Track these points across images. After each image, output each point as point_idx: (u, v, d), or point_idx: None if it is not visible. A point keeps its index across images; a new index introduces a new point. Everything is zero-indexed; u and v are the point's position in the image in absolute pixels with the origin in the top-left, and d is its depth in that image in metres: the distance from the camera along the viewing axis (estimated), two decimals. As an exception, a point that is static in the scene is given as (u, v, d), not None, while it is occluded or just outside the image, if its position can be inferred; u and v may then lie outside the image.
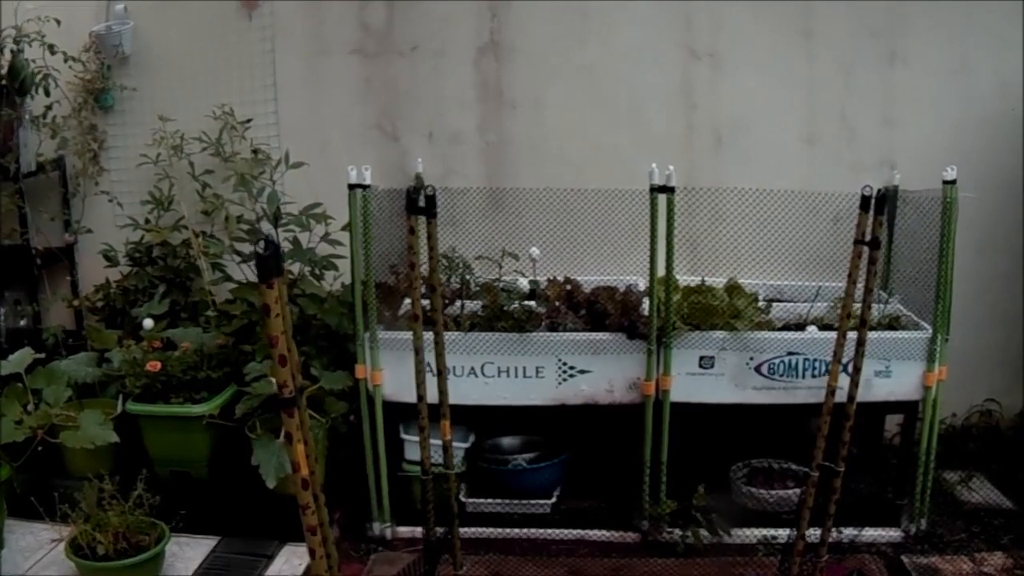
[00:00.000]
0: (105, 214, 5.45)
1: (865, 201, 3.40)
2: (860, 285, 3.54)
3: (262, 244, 2.00)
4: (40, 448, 4.36)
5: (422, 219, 3.40)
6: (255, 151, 5.15)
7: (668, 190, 4.09)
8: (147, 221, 5.31)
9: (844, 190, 3.98)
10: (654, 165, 4.11)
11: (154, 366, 4.49)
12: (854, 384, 3.62)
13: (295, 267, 4.78)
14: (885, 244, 4.95)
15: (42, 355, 4.78)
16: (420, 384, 3.51)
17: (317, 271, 4.69)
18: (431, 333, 3.65)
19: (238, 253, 4.74)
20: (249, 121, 5.19)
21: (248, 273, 4.88)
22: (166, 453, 4.54)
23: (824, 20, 5.04)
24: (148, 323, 4.87)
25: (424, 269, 3.60)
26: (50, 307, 5.45)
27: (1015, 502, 4.74)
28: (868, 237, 3.42)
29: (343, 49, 5.20)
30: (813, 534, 3.79)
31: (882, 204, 3.42)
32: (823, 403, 3.98)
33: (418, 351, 3.47)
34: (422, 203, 3.34)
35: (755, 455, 4.86)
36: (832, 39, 5.06)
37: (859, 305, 3.59)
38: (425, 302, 4.56)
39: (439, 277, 3.49)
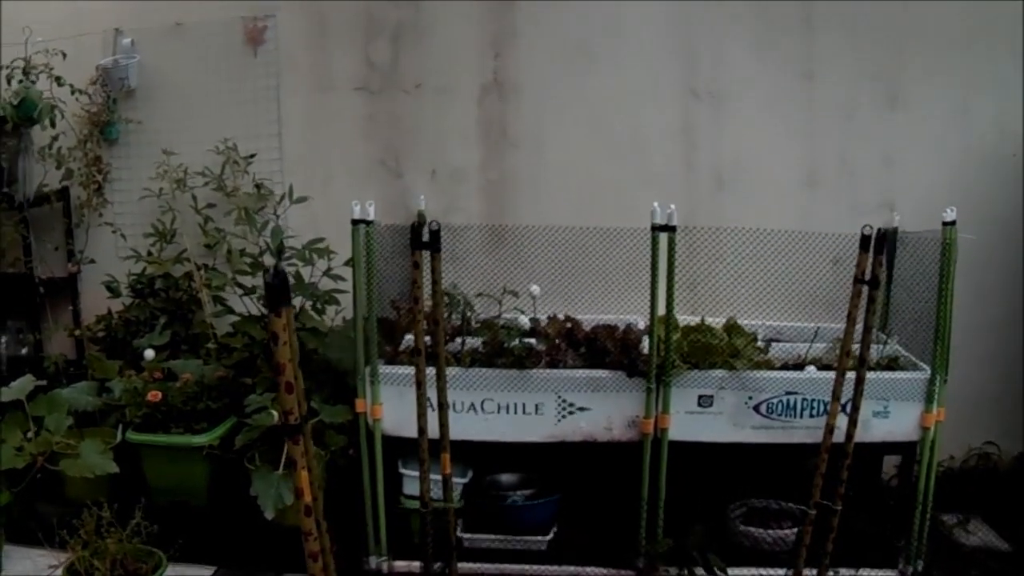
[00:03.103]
0: (108, 245, 5.51)
1: (865, 240, 3.45)
2: (859, 325, 3.56)
3: (271, 273, 2.02)
4: (39, 475, 4.39)
5: (426, 254, 3.43)
6: (258, 186, 5.20)
7: (669, 229, 4.12)
8: (149, 253, 5.36)
9: (844, 231, 4.00)
10: (656, 204, 4.13)
11: (155, 396, 4.52)
12: (852, 423, 3.65)
13: (296, 301, 4.80)
14: (884, 285, 4.98)
15: (43, 382, 4.81)
16: (421, 416, 3.54)
17: (319, 306, 4.72)
18: (432, 368, 3.67)
19: (240, 286, 4.77)
20: (252, 156, 5.24)
21: (250, 306, 4.91)
22: (165, 482, 4.57)
23: (826, 62, 5.10)
24: (149, 354, 4.90)
25: (427, 304, 3.63)
26: (52, 336, 5.50)
27: (1013, 545, 4.73)
28: (868, 276, 3.45)
29: (348, 85, 5.27)
30: (810, 574, 3.80)
31: (882, 244, 3.47)
32: (821, 442, 4.05)
33: (420, 384, 3.49)
34: (426, 238, 3.36)
35: (752, 495, 4.84)
36: (833, 81, 5.12)
37: (858, 344, 3.61)
38: (427, 338, 4.61)
39: (442, 311, 3.49)
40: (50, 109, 5.13)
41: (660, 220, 4.13)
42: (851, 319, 3.50)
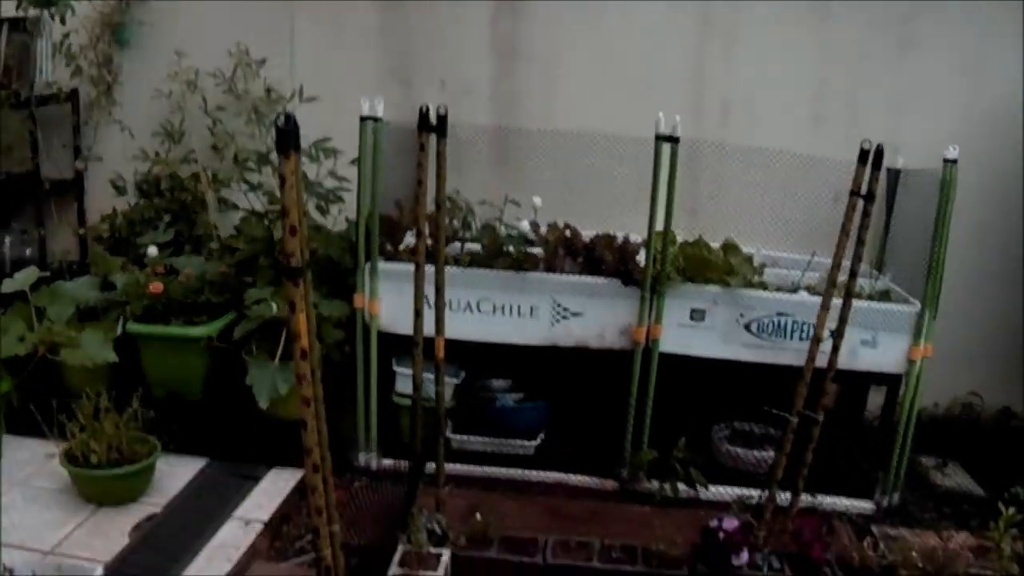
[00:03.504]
0: (115, 145, 5.54)
1: (864, 155, 3.49)
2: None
3: (284, 119, 2.08)
4: (40, 366, 4.45)
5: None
6: (268, 90, 5.22)
7: (673, 140, 4.17)
8: (157, 154, 5.39)
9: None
10: (660, 113, 4.19)
11: (156, 288, 4.58)
12: (839, 335, 3.71)
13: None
14: (881, 225, 5.05)
15: (47, 274, 4.87)
16: (418, 299, 3.57)
17: (323, 204, 4.76)
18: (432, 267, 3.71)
19: (246, 182, 4.81)
20: (263, 60, 5.25)
21: (255, 202, 4.96)
22: (163, 374, 4.64)
23: (841, 4, 5.12)
24: (152, 251, 4.95)
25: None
26: (56, 234, 5.53)
27: (988, 491, 4.79)
28: (864, 190, 3.50)
29: (361, -3, 5.29)
30: (784, 498, 3.88)
31: (879, 160, 3.49)
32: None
33: (419, 266, 3.53)
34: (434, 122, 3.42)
35: (738, 417, 4.95)
36: (847, 23, 5.14)
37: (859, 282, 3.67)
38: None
39: (444, 196, 3.54)
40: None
41: (665, 130, 4.18)
42: (845, 231, 3.55)
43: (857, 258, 3.59)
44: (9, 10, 5.25)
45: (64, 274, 5.19)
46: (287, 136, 2.06)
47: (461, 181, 4.73)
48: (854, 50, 5.19)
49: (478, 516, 3.76)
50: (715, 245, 4.62)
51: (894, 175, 4.98)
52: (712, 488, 4.52)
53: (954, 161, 4.20)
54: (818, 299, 4.22)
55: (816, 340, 3.66)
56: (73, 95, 5.50)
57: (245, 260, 4.89)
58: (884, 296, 4.63)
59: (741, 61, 5.22)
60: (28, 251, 5.65)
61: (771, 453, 4.56)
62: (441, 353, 3.70)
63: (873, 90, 5.21)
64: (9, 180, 5.49)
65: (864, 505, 4.56)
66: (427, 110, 3.39)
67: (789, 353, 4.39)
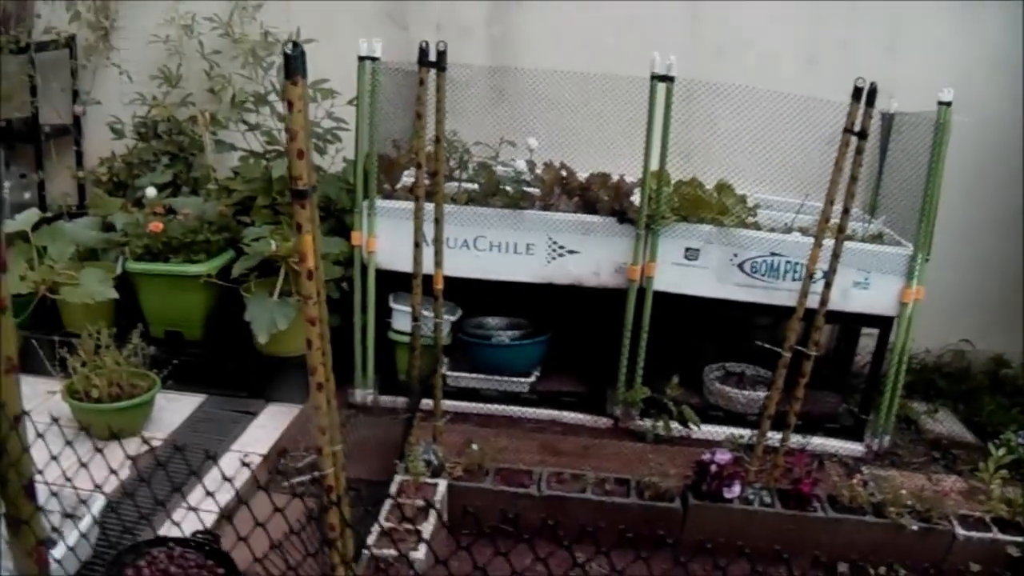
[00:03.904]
0: (113, 90, 5.56)
1: (857, 92, 3.50)
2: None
3: (291, 46, 2.11)
4: (42, 305, 4.51)
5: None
6: (265, 33, 5.24)
7: (668, 79, 4.19)
8: (154, 98, 5.41)
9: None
10: (656, 53, 4.21)
11: (156, 227, 4.60)
12: (832, 271, 3.74)
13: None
14: (876, 169, 5.08)
15: (47, 215, 4.91)
16: (417, 233, 3.63)
17: (321, 144, 4.78)
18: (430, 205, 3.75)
19: (244, 122, 4.83)
20: (260, 4, 5.26)
21: (253, 142, 4.98)
22: (162, 312, 4.68)
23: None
24: (151, 191, 4.97)
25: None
26: (55, 179, 5.55)
27: (976, 437, 4.85)
28: (857, 127, 3.52)
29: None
30: (774, 437, 3.94)
31: (873, 97, 3.51)
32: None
33: (418, 198, 3.57)
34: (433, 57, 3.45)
35: (730, 358, 5.01)
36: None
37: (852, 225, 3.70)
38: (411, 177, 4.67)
39: (444, 129, 3.57)
40: None
41: (660, 70, 4.20)
42: (838, 167, 3.57)
43: (850, 195, 3.60)
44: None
45: (64, 216, 5.21)
46: (295, 61, 2.08)
47: (457, 122, 4.72)
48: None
49: (474, 447, 3.81)
50: (709, 186, 4.63)
51: (888, 119, 5.01)
52: (704, 427, 4.58)
53: (948, 103, 4.21)
54: (811, 240, 4.29)
55: (809, 275, 3.69)
56: (71, 40, 5.50)
57: (243, 200, 4.93)
58: (877, 239, 4.65)
59: (735, 1, 5.20)
60: (27, 194, 5.68)
61: (762, 393, 4.65)
62: (440, 283, 3.74)
63: (868, 32, 5.20)
64: (9, 125, 5.52)
65: (854, 447, 4.62)
66: (427, 45, 3.41)
67: (782, 293, 4.44)
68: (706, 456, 3.67)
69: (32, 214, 4.72)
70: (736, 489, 3.63)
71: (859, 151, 3.55)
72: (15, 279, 4.44)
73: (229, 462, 4.00)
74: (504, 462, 3.89)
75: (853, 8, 5.18)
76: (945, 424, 4.99)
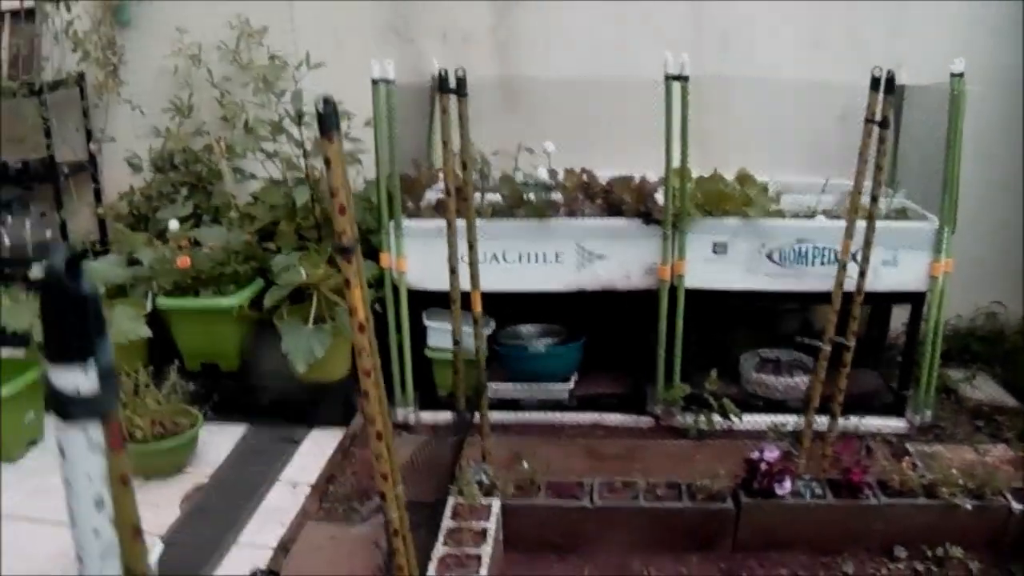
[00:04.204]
0: (125, 125, 5.56)
1: (875, 82, 3.49)
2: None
3: (322, 103, 2.10)
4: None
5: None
6: (272, 57, 5.23)
7: (682, 79, 4.19)
8: (167, 129, 5.42)
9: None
10: (668, 54, 4.20)
11: (184, 262, 4.61)
12: (865, 259, 3.75)
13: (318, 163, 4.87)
14: (891, 141, 5.05)
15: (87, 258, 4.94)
16: (452, 256, 3.63)
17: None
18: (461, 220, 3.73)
19: (263, 151, 4.83)
20: (265, 28, 5.26)
21: (272, 170, 4.98)
22: (197, 346, 4.69)
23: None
24: (174, 224, 4.97)
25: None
26: (75, 217, 5.58)
27: (1019, 400, 4.85)
28: (879, 117, 3.51)
29: (357, -48, 5.26)
30: (820, 422, 3.95)
31: (891, 85, 3.50)
32: (832, 291, 4.13)
33: (450, 224, 3.58)
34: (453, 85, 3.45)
35: (763, 345, 5.02)
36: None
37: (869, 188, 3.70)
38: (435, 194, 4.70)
39: (470, 154, 3.59)
40: None
41: (673, 70, 4.20)
42: (863, 158, 3.57)
43: (877, 183, 3.60)
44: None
45: (88, 254, 5.23)
46: (327, 120, 2.08)
47: (472, 132, 4.76)
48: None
49: (525, 464, 3.83)
50: (728, 176, 4.64)
51: (899, 91, 4.98)
52: (745, 417, 4.59)
53: (960, 74, 4.22)
54: (837, 224, 4.30)
55: (843, 266, 3.70)
56: (80, 79, 5.50)
57: (265, 227, 4.94)
58: (901, 214, 4.65)
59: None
60: (48, 233, 5.70)
61: (800, 379, 4.68)
62: (478, 307, 3.76)
63: (872, 10, 5.14)
64: (26, 167, 5.54)
65: (897, 424, 4.62)
66: (445, 73, 3.41)
67: (811, 279, 4.45)
68: (755, 455, 3.68)
69: (59, 256, 4.72)
70: (787, 485, 3.64)
71: (882, 140, 3.54)
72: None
73: (279, 493, 4.05)
74: (552, 473, 3.90)
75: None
76: (984, 390, 4.99)
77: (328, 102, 2.12)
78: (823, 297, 4.52)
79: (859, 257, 3.84)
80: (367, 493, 4.10)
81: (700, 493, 3.70)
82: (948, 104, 4.24)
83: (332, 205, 2.19)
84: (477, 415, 3.98)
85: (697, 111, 4.35)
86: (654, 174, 4.58)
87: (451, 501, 3.61)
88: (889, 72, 3.45)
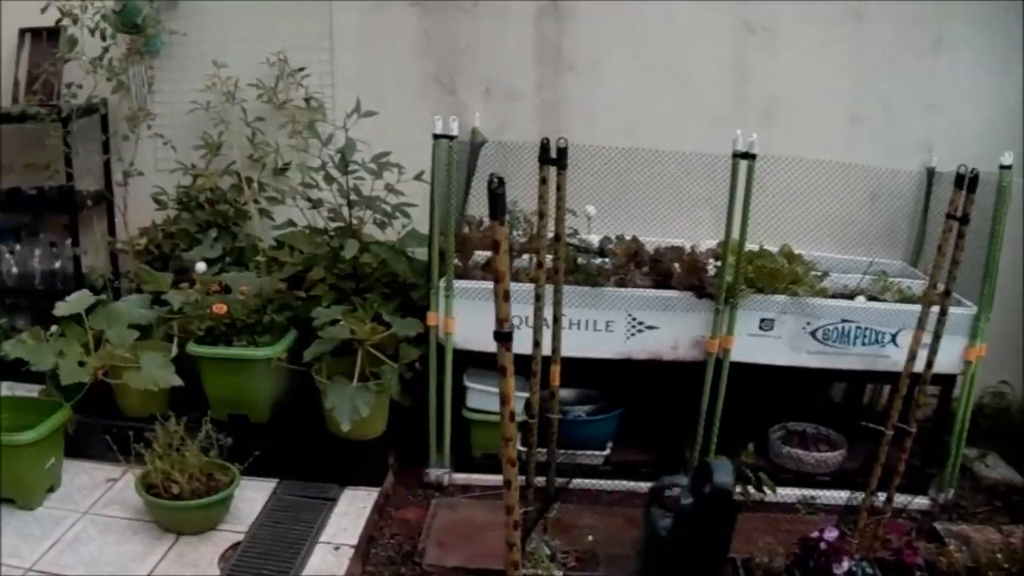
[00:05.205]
0: (146, 158, 5.42)
1: (959, 179, 3.55)
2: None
3: (495, 183, 2.07)
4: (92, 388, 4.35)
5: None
6: (307, 99, 5.15)
7: (750, 156, 4.22)
8: (193, 166, 5.30)
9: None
10: (739, 131, 4.24)
11: (220, 309, 4.50)
12: (933, 351, 3.80)
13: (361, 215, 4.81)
14: (919, 223, 5.16)
15: (105, 296, 4.78)
16: (538, 329, 3.63)
17: (387, 220, 4.69)
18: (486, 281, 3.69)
19: (308, 200, 4.74)
20: (302, 69, 5.18)
21: (312, 219, 4.90)
22: (226, 395, 4.56)
23: (874, 3, 5.14)
24: (201, 266, 4.87)
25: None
26: (90, 249, 5.42)
27: (1030, 480, 4.92)
28: (959, 213, 3.57)
29: (404, 2, 5.21)
30: (853, 497, 4.04)
31: (974, 184, 3.55)
32: (872, 369, 4.45)
33: (538, 297, 3.56)
34: (554, 155, 3.43)
35: (787, 419, 5.05)
36: (881, 22, 5.16)
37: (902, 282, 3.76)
38: (483, 254, 4.65)
39: (564, 227, 3.60)
40: (155, 16, 5.11)
41: (742, 148, 4.23)
42: (942, 252, 3.60)
43: (952, 277, 3.66)
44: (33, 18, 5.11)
45: (106, 291, 5.09)
46: (499, 200, 2.05)
47: (510, 190, 4.71)
48: (888, 48, 5.19)
49: (590, 538, 3.79)
50: (769, 248, 4.68)
51: (930, 174, 5.12)
52: (779, 490, 4.58)
53: (1009, 167, 4.32)
54: (879, 305, 4.51)
55: (912, 356, 3.73)
56: (104, 107, 5.36)
57: (294, 275, 4.85)
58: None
59: (781, 61, 5.22)
60: (58, 263, 5.54)
61: (829, 453, 4.72)
62: (557, 380, 3.75)
63: (907, 88, 5.24)
64: (41, 193, 5.39)
65: (920, 501, 4.67)
66: (547, 142, 3.39)
67: (851, 358, 4.51)
68: (814, 534, 3.69)
69: (85, 296, 4.55)
70: (845, 565, 3.64)
71: (960, 235, 3.59)
72: (74, 366, 4.31)
73: (322, 556, 3.95)
74: (598, 544, 3.86)
75: (892, 64, 5.22)
76: (998, 470, 5.05)
77: (502, 182, 2.08)
78: (863, 376, 4.63)
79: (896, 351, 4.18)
80: (410, 556, 4.02)
81: (758, 570, 3.72)
82: (995, 195, 4.31)
83: (496, 291, 2.17)
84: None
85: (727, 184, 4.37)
86: (702, 245, 4.63)
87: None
88: (973, 170, 3.50)
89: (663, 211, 4.94)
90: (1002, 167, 4.31)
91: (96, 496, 4.32)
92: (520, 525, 2.47)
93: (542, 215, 3.37)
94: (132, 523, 4.11)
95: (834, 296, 4.64)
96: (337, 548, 3.99)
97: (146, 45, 5.24)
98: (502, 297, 2.11)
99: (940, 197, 5.02)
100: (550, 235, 3.57)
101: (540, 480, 4.09)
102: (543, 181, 3.34)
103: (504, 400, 2.24)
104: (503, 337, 2.17)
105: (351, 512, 4.27)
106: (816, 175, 4.67)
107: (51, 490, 4.31)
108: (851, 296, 4.66)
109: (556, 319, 3.65)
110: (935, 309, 4.41)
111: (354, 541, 4.05)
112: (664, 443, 4.79)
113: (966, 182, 3.52)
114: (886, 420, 3.81)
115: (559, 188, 3.51)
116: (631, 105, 5.21)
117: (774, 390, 4.97)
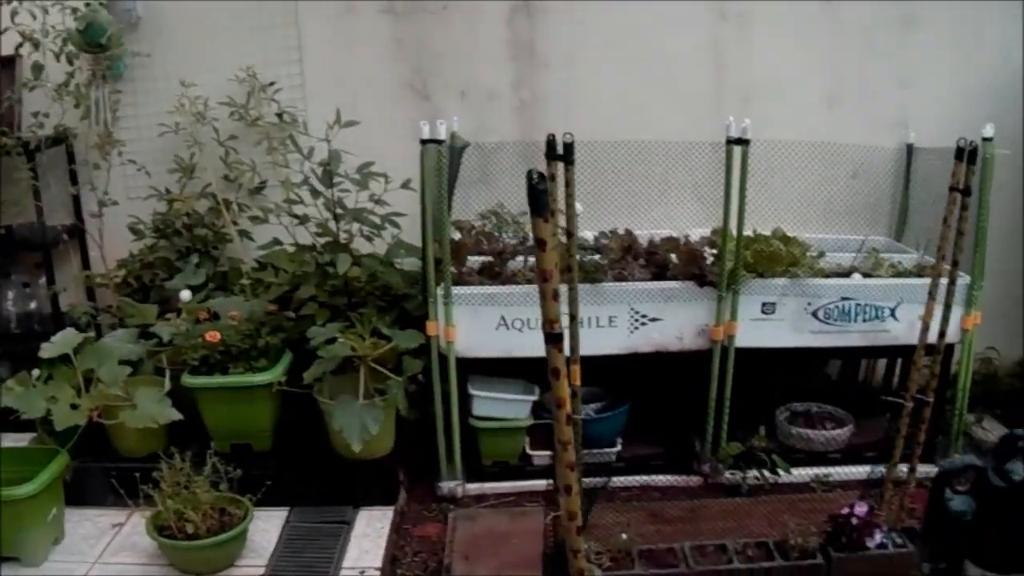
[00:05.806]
0: (121, 186, 5.23)
1: (959, 152, 3.57)
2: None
3: (536, 178, 1.98)
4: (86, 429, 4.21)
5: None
6: (279, 115, 5.02)
7: (743, 142, 4.22)
8: (167, 191, 5.16)
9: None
10: (731, 117, 4.24)
11: (213, 337, 4.36)
12: (945, 320, 3.85)
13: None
14: (901, 199, 5.19)
15: (91, 333, 4.63)
16: (574, 337, 3.62)
17: (376, 232, 4.59)
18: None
19: (295, 216, 4.64)
20: (272, 84, 5.04)
21: (299, 235, 4.79)
22: (227, 425, 4.42)
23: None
24: (186, 295, 4.73)
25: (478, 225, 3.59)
26: (67, 285, 5.23)
27: (1027, 442, 4.97)
28: (962, 185, 3.58)
29: (372, 8, 5.10)
30: (873, 471, 4.09)
31: (974, 156, 3.57)
32: (873, 344, 4.51)
33: (556, 295, 3.47)
34: (560, 150, 3.38)
35: (790, 400, 5.07)
36: (853, 2, 5.18)
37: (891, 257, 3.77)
38: (476, 259, 4.59)
39: (575, 224, 3.58)
40: (120, 35, 4.91)
41: (735, 134, 4.23)
42: (947, 224, 3.63)
43: (958, 248, 3.70)
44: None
45: (90, 327, 4.93)
46: (541, 196, 1.96)
47: (492, 192, 4.82)
48: (861, 28, 5.21)
49: (624, 536, 3.74)
50: (764, 233, 4.67)
51: (908, 150, 5.20)
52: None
53: (990, 139, 4.42)
54: (877, 281, 4.56)
55: (925, 327, 3.75)
56: (69, 137, 5.16)
57: (281, 295, 4.74)
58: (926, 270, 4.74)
59: (756, 46, 5.21)
60: (33, 304, 5.35)
61: (837, 431, 4.73)
62: (578, 379, 3.69)
63: (881, 67, 5.27)
64: (9, 232, 5.18)
65: (928, 468, 4.63)
66: (553, 138, 3.34)
67: (854, 335, 4.54)
68: (844, 510, 3.72)
69: (71, 335, 4.39)
70: (877, 538, 3.70)
71: (964, 207, 3.61)
72: (66, 410, 4.16)
73: (352, 583, 3.86)
74: (632, 541, 3.83)
75: (865, 44, 5.24)
76: (994, 432, 5.10)
77: (543, 178, 2.00)
78: (864, 352, 4.64)
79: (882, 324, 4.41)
80: (437, 573, 3.95)
81: (792, 551, 3.71)
82: (979, 167, 4.32)
83: (544, 290, 2.10)
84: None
85: (718, 170, 4.36)
86: (695, 234, 4.61)
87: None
88: (971, 143, 3.52)
89: (649, 202, 4.94)
90: (984, 139, 4.40)
91: (104, 544, 4.16)
92: (580, 530, 2.39)
93: (552, 213, 3.29)
94: (146, 568, 3.96)
95: (830, 275, 4.66)
96: (363, 572, 3.90)
97: (110, 68, 5.03)
98: (550, 297, 2.04)
99: (920, 172, 5.11)
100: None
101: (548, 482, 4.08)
102: (552, 178, 3.28)
103: (559, 403, 2.17)
104: (554, 338, 2.10)
105: (370, 534, 4.17)
106: (798, 157, 4.67)
107: (56, 542, 4.13)
108: (846, 274, 4.68)
109: (573, 317, 3.59)
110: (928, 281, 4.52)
111: (379, 563, 3.95)
112: (670, 435, 4.78)
113: (966, 155, 3.54)
114: (902, 393, 3.81)
115: (567, 184, 3.45)
116: (609, 98, 5.16)
117: (776, 373, 4.97)
